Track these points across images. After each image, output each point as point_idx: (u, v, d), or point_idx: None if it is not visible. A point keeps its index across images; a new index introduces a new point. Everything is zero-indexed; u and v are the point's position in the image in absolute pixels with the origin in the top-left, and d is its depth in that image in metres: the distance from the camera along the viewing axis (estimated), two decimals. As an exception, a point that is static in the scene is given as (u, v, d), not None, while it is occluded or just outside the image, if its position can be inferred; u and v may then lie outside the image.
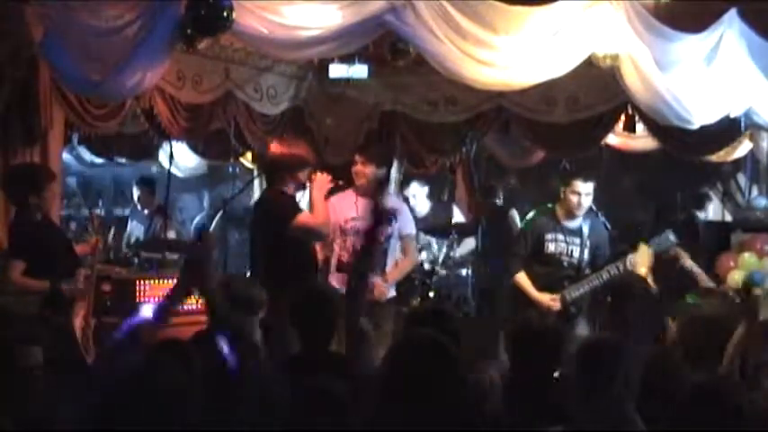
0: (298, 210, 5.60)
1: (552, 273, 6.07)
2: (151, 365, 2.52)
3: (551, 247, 6.08)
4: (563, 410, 3.37)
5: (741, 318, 4.54)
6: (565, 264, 6.09)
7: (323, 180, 5.68)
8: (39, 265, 5.11)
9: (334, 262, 5.95)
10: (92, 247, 5.67)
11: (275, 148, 5.65)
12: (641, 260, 5.91)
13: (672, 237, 6.08)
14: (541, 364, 3.65)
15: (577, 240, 6.09)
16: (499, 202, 9.05)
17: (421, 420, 2.56)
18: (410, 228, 6.22)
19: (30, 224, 5.20)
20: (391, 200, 6.31)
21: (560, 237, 6.08)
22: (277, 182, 5.66)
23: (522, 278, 6.05)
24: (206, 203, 10.80)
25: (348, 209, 5.95)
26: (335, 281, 5.75)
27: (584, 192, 6.02)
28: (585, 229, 6.12)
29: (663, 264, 6.20)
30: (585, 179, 6.04)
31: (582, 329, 6.03)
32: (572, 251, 6.09)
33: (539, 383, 3.59)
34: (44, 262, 5.12)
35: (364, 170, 5.93)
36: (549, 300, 5.96)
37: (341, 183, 5.97)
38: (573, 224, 6.11)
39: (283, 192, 5.61)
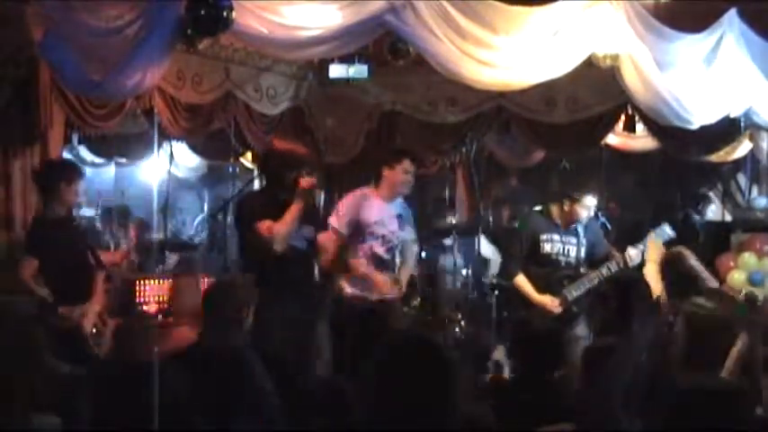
0: (261, 216, 5.41)
1: (550, 273, 6.06)
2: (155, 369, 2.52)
3: (547, 248, 6.07)
4: (563, 410, 3.37)
5: (743, 327, 4.51)
6: (562, 263, 6.08)
7: (305, 190, 5.49)
8: (50, 263, 5.16)
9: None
10: (121, 257, 5.78)
11: (275, 145, 5.63)
12: (650, 253, 5.90)
13: (668, 230, 6.10)
14: (542, 364, 3.66)
15: (573, 240, 6.09)
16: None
17: (416, 424, 2.55)
18: (413, 232, 6.20)
19: (49, 221, 5.26)
20: (399, 204, 6.30)
21: (555, 237, 6.07)
22: (267, 181, 5.67)
23: (521, 280, 6.03)
24: (206, 203, 10.79)
25: (373, 212, 5.87)
26: (347, 282, 5.80)
27: (593, 205, 6.08)
28: (581, 228, 6.11)
29: (666, 264, 6.19)
30: (594, 193, 6.13)
31: (581, 330, 6.01)
32: (568, 250, 6.08)
33: (540, 383, 3.59)
34: (55, 259, 5.17)
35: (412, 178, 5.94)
36: (550, 302, 5.96)
37: (312, 203, 5.72)
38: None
39: (262, 193, 5.58)
